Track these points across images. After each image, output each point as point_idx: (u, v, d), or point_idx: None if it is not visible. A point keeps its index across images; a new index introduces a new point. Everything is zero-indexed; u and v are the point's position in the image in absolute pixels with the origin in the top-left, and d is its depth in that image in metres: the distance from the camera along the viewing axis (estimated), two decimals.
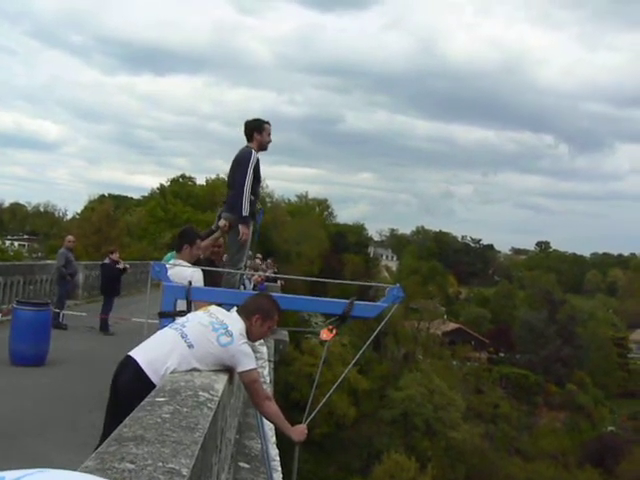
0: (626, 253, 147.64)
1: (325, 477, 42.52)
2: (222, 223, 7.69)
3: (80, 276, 23.21)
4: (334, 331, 6.11)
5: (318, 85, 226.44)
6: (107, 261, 18.74)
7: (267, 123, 7.81)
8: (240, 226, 7.46)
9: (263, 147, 7.77)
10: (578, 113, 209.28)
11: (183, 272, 6.83)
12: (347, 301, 6.12)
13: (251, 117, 7.97)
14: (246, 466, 7.59)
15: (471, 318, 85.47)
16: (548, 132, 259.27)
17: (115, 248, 20.41)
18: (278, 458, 8.04)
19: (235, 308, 5.08)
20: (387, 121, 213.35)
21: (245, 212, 7.41)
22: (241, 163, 7.55)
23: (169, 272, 6.70)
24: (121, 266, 18.71)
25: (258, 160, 7.66)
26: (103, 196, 73.59)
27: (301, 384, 39.11)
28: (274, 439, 7.89)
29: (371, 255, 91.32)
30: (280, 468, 7.98)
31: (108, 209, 49.13)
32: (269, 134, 7.80)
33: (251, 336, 4.80)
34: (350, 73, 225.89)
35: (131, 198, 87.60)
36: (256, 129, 7.69)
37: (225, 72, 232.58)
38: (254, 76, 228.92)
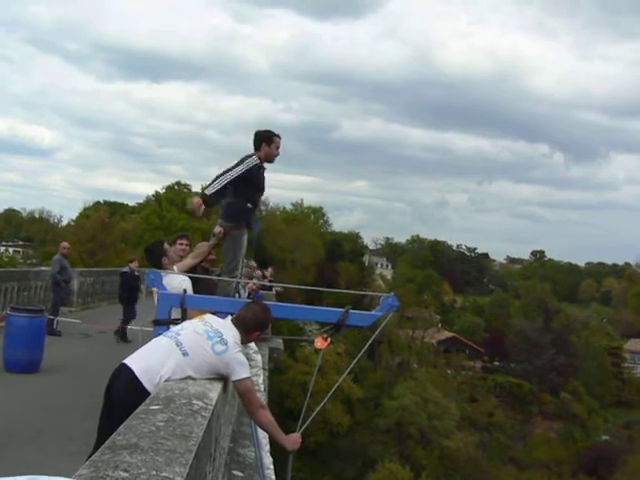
0: (621, 262, 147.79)
1: None
2: (217, 230, 7.67)
3: (75, 283, 23.17)
4: (329, 340, 6.12)
5: (314, 93, 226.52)
6: (127, 270, 18.70)
7: (277, 136, 7.69)
8: (203, 203, 7.24)
9: (269, 159, 7.68)
10: (573, 122, 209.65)
11: (171, 281, 6.90)
12: (342, 310, 6.13)
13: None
14: (240, 474, 7.56)
15: (466, 327, 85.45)
16: (543, 141, 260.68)
17: (135, 257, 20.31)
18: (272, 467, 8.03)
19: (229, 317, 5.08)
20: (382, 129, 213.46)
21: (210, 191, 7.26)
22: (240, 162, 7.49)
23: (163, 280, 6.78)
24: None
25: (262, 170, 7.60)
26: (98, 203, 73.47)
27: (295, 392, 39.07)
28: (268, 447, 7.87)
29: (366, 263, 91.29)
30: (274, 477, 7.96)
31: (103, 216, 49.08)
32: (278, 147, 7.69)
33: (244, 343, 4.84)
34: (346, 81, 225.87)
35: (126, 205, 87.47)
36: (265, 140, 7.58)
37: (221, 80, 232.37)
38: (250, 84, 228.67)
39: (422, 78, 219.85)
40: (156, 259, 7.78)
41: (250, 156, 7.55)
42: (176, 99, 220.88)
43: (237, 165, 7.42)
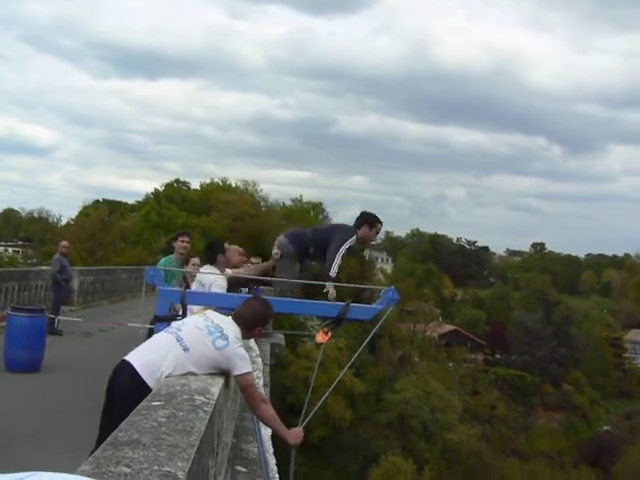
0: (620, 254, 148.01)
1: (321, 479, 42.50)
2: (275, 251, 7.60)
3: (75, 282, 23.17)
4: (330, 334, 6.13)
5: (310, 89, 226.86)
6: None
7: (381, 223, 7.70)
8: (330, 288, 7.26)
9: (364, 241, 7.73)
10: (570, 115, 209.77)
11: (207, 276, 7.06)
12: (343, 304, 6.14)
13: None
14: (243, 470, 7.58)
15: (467, 320, 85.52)
16: (540, 134, 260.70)
17: None
18: (276, 468, 8.04)
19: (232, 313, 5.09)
20: (379, 124, 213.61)
21: (333, 274, 7.28)
22: (343, 234, 7.39)
23: (198, 277, 7.00)
24: None
25: (351, 248, 7.63)
26: (97, 201, 73.28)
27: (297, 388, 39.05)
28: (272, 450, 7.89)
29: (366, 258, 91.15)
30: (277, 475, 7.97)
31: (102, 215, 48.99)
32: (377, 233, 7.76)
33: (246, 338, 4.85)
34: (342, 77, 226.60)
35: (125, 203, 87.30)
36: (368, 223, 7.55)
37: (217, 76, 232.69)
38: (246, 80, 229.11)
39: (419, 73, 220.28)
40: (214, 254, 7.92)
41: (352, 229, 7.52)
42: (172, 96, 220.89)
43: (342, 237, 7.38)
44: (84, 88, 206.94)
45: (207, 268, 7.91)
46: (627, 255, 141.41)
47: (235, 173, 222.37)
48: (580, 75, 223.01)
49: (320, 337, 6.17)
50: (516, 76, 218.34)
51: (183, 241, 9.47)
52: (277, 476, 7.87)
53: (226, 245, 8.81)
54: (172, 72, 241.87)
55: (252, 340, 11.76)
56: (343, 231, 7.45)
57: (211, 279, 7.12)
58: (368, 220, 7.54)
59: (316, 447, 41.00)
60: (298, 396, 36.05)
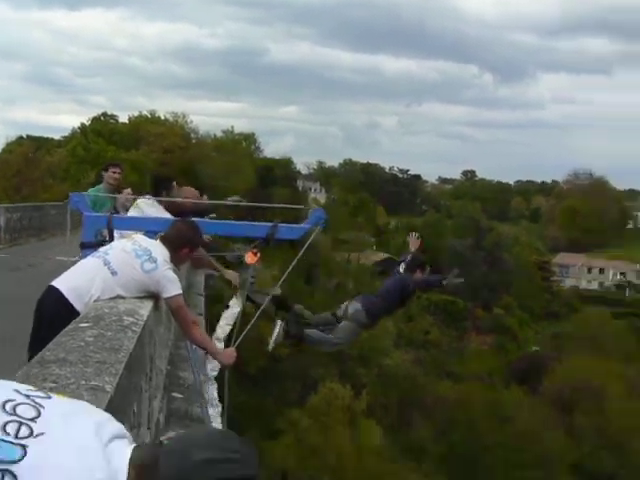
0: (549, 180, 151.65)
1: (260, 408, 43.05)
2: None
3: (1, 219, 22.60)
4: (258, 254, 6.15)
5: (239, 17, 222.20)
6: None
7: (430, 267, 8.15)
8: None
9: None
10: (502, 43, 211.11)
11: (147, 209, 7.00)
12: (270, 224, 6.15)
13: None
14: (179, 396, 7.65)
15: (400, 248, 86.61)
16: (472, 62, 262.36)
17: None
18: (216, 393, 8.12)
19: (159, 237, 5.04)
20: (310, 53, 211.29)
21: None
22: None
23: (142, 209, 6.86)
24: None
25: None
26: (21, 138, 71.04)
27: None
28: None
29: (299, 188, 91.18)
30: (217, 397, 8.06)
31: (27, 151, 47.56)
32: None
33: (175, 262, 4.81)
34: (271, 4, 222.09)
35: (52, 139, 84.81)
36: (421, 268, 7.85)
37: (141, 6, 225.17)
38: (172, 9, 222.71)
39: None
40: (158, 190, 7.58)
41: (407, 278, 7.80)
42: (95, 26, 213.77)
43: (395, 294, 7.85)
44: (3, 19, 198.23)
45: (149, 199, 7.64)
46: (555, 182, 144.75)
47: (164, 105, 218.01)
48: (513, 2, 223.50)
49: (249, 258, 6.18)
50: (448, 2, 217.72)
51: (115, 172, 9.25)
52: (217, 397, 7.96)
53: (185, 187, 8.62)
54: (95, 2, 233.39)
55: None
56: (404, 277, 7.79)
57: (151, 212, 7.01)
58: (420, 265, 7.89)
59: (253, 377, 41.47)
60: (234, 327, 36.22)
